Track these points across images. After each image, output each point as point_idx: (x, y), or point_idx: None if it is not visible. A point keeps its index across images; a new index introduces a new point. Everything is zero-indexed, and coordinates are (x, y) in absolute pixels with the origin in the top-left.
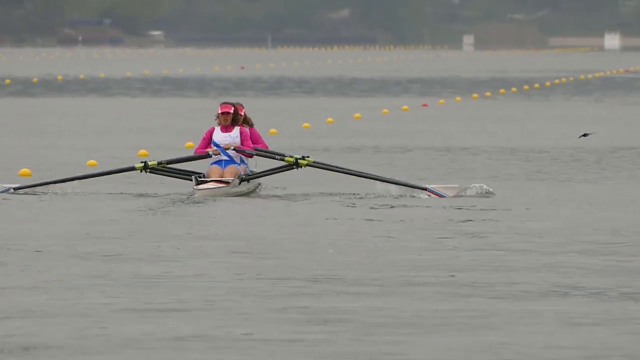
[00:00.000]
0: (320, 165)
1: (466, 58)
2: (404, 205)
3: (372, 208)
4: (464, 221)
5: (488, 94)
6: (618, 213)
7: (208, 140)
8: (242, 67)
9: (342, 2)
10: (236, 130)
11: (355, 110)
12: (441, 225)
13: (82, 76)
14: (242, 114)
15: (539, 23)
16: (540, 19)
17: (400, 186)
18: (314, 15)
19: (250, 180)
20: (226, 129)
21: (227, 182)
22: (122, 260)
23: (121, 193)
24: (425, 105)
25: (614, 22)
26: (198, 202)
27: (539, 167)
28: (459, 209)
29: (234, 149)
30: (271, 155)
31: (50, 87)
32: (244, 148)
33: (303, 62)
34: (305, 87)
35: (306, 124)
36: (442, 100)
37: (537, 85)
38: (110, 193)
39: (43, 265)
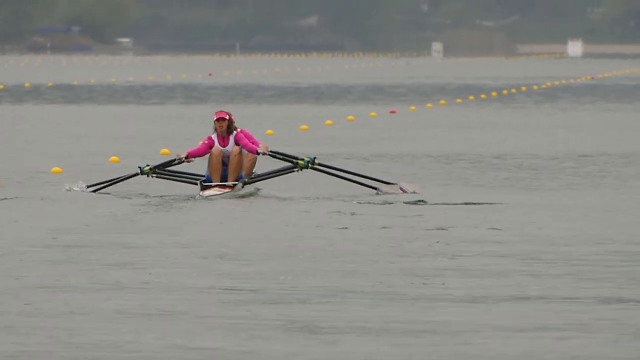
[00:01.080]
0: (324, 168)
1: (435, 65)
2: (390, 213)
3: (352, 214)
4: (438, 229)
5: (459, 100)
6: (588, 220)
7: (203, 151)
8: (210, 74)
9: (311, 9)
10: (231, 141)
11: (326, 117)
12: (414, 233)
13: (50, 83)
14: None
15: (508, 30)
16: (509, 25)
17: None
18: (282, 23)
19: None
20: (223, 141)
21: (231, 187)
22: (100, 265)
23: (92, 194)
24: (393, 111)
25: (581, 29)
26: (180, 208)
27: (508, 174)
28: (439, 215)
29: (269, 153)
30: (288, 158)
31: (18, 94)
32: (274, 153)
33: (272, 69)
34: (274, 94)
35: (269, 131)
36: (413, 107)
37: (505, 91)
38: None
39: (18, 270)
